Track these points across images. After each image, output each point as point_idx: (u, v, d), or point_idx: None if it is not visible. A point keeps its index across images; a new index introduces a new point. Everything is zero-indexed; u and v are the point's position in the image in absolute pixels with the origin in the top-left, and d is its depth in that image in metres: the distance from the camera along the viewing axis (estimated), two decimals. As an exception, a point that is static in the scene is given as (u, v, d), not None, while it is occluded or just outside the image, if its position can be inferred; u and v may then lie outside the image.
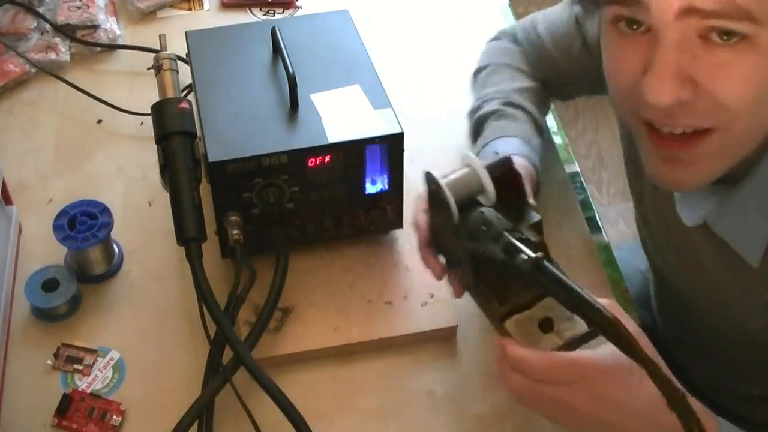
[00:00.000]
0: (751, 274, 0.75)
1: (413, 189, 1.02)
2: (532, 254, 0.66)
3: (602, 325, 0.62)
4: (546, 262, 0.65)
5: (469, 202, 0.75)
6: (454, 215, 0.73)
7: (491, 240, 0.71)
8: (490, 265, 0.71)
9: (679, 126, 0.66)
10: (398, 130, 0.87)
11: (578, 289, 0.63)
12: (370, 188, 0.91)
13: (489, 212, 0.73)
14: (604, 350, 0.66)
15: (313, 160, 0.86)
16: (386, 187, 0.91)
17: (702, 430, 0.57)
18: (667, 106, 0.63)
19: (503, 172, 0.76)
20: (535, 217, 0.74)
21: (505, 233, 0.70)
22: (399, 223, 0.95)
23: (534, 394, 0.67)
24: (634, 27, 0.65)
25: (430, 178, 0.75)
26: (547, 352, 0.67)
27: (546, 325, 0.71)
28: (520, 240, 0.69)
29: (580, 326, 0.70)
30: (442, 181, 0.74)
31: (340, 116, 0.88)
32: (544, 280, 0.65)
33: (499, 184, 0.75)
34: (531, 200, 0.76)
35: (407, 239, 0.97)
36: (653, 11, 0.61)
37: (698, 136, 0.66)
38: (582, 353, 0.67)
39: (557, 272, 0.64)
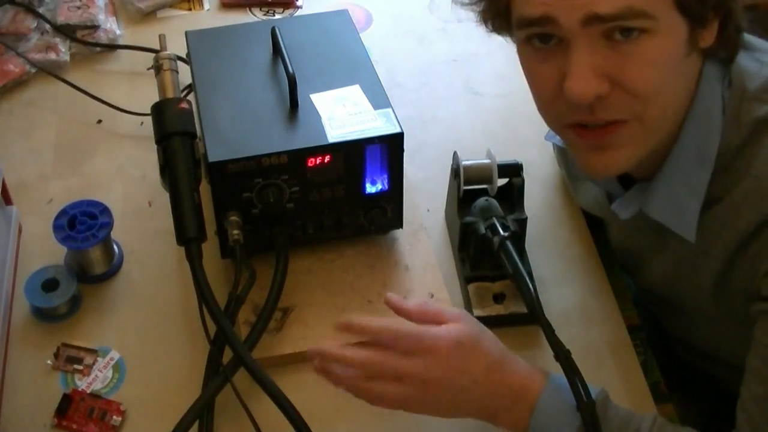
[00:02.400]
0: (685, 253, 0.83)
1: (413, 189, 1.02)
2: (502, 234, 0.87)
3: (526, 299, 0.81)
4: (508, 243, 0.86)
5: (478, 187, 0.95)
6: (461, 189, 0.94)
7: (483, 219, 0.90)
8: (474, 236, 0.91)
9: (600, 121, 0.74)
10: (398, 130, 0.87)
11: (521, 269, 0.83)
12: (370, 188, 0.91)
13: (491, 201, 0.93)
14: (449, 328, 0.75)
15: (313, 160, 0.86)
16: (386, 187, 0.91)
17: (579, 375, 0.73)
18: (589, 102, 0.71)
19: (511, 174, 0.95)
20: (524, 214, 0.94)
21: (494, 218, 0.89)
22: (399, 223, 0.95)
23: (388, 365, 0.74)
24: (546, 42, 0.73)
25: (455, 157, 0.96)
26: (395, 322, 0.77)
27: (499, 298, 0.91)
28: (502, 225, 0.88)
29: (523, 308, 0.87)
30: (462, 163, 0.94)
31: (340, 116, 0.88)
32: (503, 254, 0.86)
33: (508, 182, 0.95)
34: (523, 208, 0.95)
35: (407, 239, 0.97)
36: (562, 23, 0.69)
37: (618, 125, 0.74)
38: (431, 328, 0.75)
39: (513, 252, 0.85)
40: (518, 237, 0.90)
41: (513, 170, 0.96)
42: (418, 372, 0.73)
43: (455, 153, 0.96)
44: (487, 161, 0.95)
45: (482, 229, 0.90)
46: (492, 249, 0.88)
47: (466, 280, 0.93)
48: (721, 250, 0.78)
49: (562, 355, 0.75)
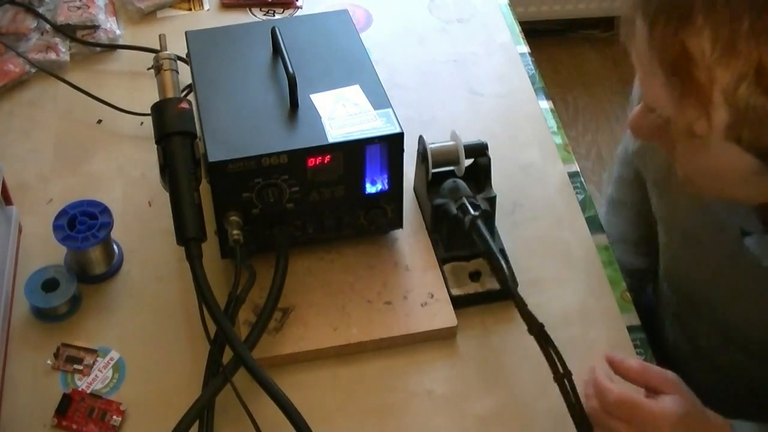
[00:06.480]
0: None
1: (413, 189, 1.02)
2: (473, 213, 0.88)
3: (500, 278, 0.86)
4: (479, 222, 0.88)
5: (446, 169, 0.96)
6: (429, 172, 0.95)
7: (453, 200, 0.92)
8: (446, 217, 0.93)
9: None
10: (398, 130, 0.87)
11: (492, 246, 0.86)
12: (370, 188, 0.91)
13: (458, 181, 0.94)
14: (665, 401, 0.75)
15: (313, 160, 0.86)
16: (386, 187, 0.91)
17: (554, 347, 0.77)
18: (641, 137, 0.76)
19: (477, 154, 0.97)
20: (492, 192, 0.96)
21: (464, 198, 0.91)
22: (399, 223, 0.95)
23: (602, 420, 0.77)
24: None
25: (421, 141, 0.96)
26: (624, 390, 0.77)
27: (475, 276, 0.93)
28: (472, 205, 0.90)
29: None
30: (429, 146, 0.95)
31: (340, 116, 0.88)
32: (475, 234, 0.88)
33: (474, 162, 0.97)
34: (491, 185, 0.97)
35: (407, 239, 0.97)
36: None
37: None
38: (650, 401, 0.76)
39: (485, 232, 0.87)
40: (489, 215, 0.92)
41: (479, 150, 0.97)
42: None
43: (421, 137, 0.96)
44: (452, 143, 0.96)
45: (454, 210, 0.91)
46: (464, 229, 0.89)
47: (441, 260, 0.95)
48: None
49: (536, 328, 0.79)
